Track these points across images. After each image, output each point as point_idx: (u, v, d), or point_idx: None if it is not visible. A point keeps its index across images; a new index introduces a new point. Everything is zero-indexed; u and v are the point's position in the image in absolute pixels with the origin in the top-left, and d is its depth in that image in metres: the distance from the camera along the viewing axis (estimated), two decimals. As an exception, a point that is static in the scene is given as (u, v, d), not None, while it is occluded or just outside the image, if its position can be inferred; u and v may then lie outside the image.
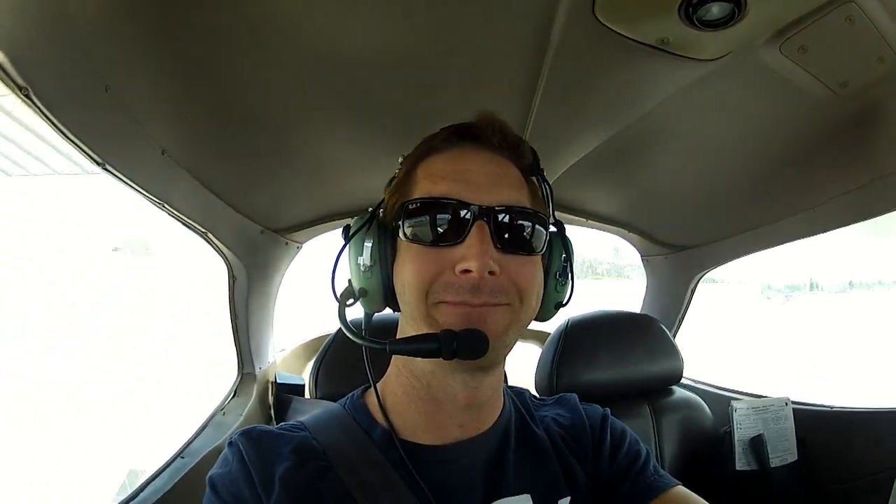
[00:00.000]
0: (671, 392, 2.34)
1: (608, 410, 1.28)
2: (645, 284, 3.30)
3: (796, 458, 2.13)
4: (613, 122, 1.68)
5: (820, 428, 2.18)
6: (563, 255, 1.09)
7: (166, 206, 1.57)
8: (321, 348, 1.96)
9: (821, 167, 1.80)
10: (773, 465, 2.07)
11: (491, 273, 0.92)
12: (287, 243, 2.47)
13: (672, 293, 3.06)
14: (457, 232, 0.94)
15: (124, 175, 1.33)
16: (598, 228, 2.92)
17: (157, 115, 1.39)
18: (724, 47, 1.26)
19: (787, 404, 2.18)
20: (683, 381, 2.46)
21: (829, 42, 1.27)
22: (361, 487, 0.96)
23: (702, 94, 1.51)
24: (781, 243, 2.28)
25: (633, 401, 2.23)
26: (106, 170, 1.26)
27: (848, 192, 1.80)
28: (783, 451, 2.12)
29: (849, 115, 1.54)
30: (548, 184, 1.10)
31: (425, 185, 1.01)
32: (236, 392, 2.35)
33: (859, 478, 1.98)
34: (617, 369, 2.19)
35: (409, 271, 0.96)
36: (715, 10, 1.12)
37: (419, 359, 0.99)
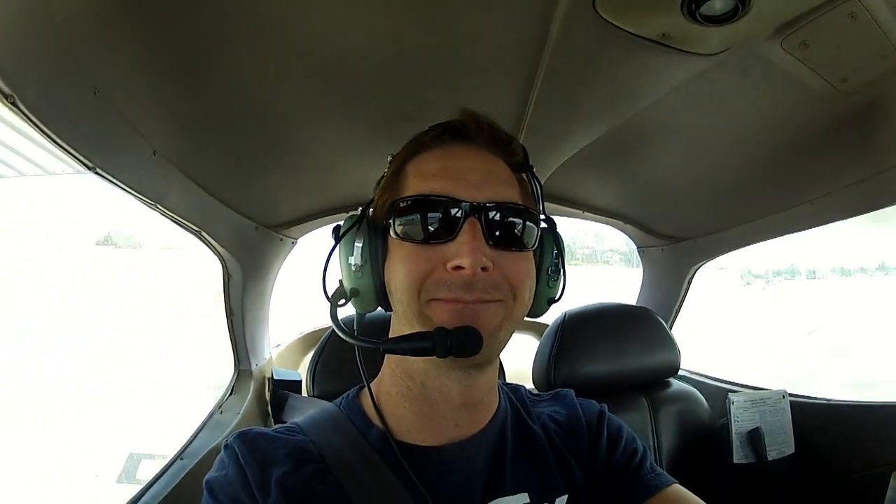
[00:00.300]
0: (668, 384, 2.32)
1: (605, 406, 1.27)
2: (641, 276, 3.29)
3: (793, 450, 2.12)
4: (612, 115, 1.66)
5: (817, 421, 2.17)
6: (555, 251, 1.08)
7: (159, 206, 1.55)
8: (318, 346, 1.94)
9: (820, 161, 1.79)
10: (770, 458, 2.07)
11: (483, 269, 0.91)
12: (282, 239, 2.46)
13: (668, 284, 3.04)
14: (448, 229, 0.93)
15: (116, 178, 1.31)
16: (594, 220, 2.91)
17: (148, 115, 1.37)
18: (725, 42, 1.24)
19: (784, 397, 2.18)
20: (680, 372, 2.45)
21: (831, 38, 1.26)
22: (358, 490, 0.95)
23: (701, 88, 1.49)
24: (779, 235, 2.28)
25: (630, 394, 2.22)
26: (97, 173, 1.24)
27: (847, 186, 1.79)
28: (780, 444, 2.11)
29: (849, 110, 1.53)
30: (538, 180, 1.09)
31: (416, 184, 1.00)
32: (233, 389, 2.34)
33: (856, 471, 1.98)
34: (614, 362, 2.18)
35: (400, 270, 0.95)
36: (718, 6, 1.10)
37: (413, 358, 0.98)
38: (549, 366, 2.13)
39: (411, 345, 0.91)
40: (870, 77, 1.38)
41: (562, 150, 1.92)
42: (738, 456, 2.09)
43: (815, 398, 2.26)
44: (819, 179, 1.87)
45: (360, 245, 1.00)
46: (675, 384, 2.34)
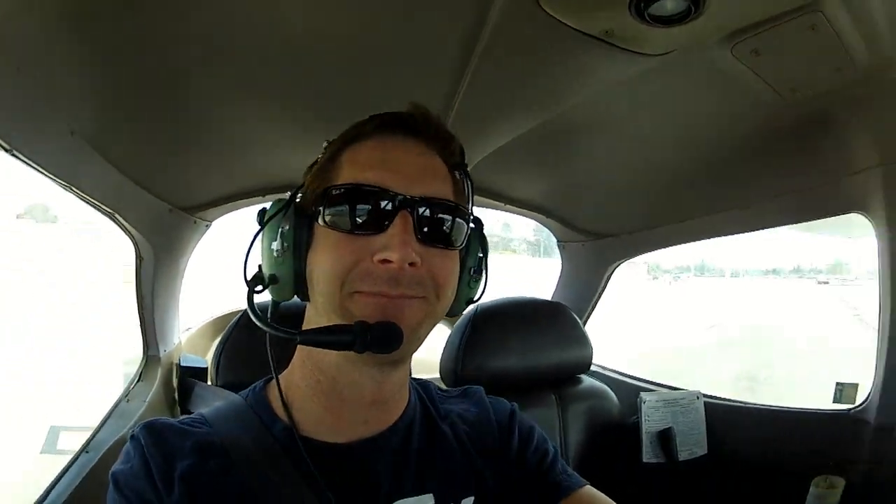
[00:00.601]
0: (579, 381, 2.30)
1: (516, 405, 1.24)
2: (560, 270, 3.27)
3: (706, 451, 2.14)
4: (545, 109, 1.63)
5: (731, 423, 2.20)
6: (480, 252, 1.07)
7: (74, 188, 1.49)
8: (224, 333, 1.86)
9: (757, 168, 1.81)
10: (681, 458, 2.08)
11: (411, 264, 0.88)
12: (196, 222, 2.36)
13: (587, 280, 3.05)
14: (379, 221, 0.89)
15: (31, 159, 1.26)
16: (516, 213, 2.88)
17: (68, 95, 1.31)
18: (671, 44, 1.22)
19: (698, 398, 2.19)
20: (593, 368, 2.46)
21: (787, 48, 1.25)
22: (262, 487, 0.91)
23: (641, 87, 1.47)
24: (707, 238, 2.32)
25: (539, 390, 2.19)
26: (13, 154, 1.19)
27: (783, 195, 1.82)
28: (692, 445, 2.13)
29: (794, 120, 1.54)
30: (471, 180, 1.06)
31: (350, 172, 0.95)
32: (141, 376, 2.25)
33: (770, 475, 2.01)
34: (524, 357, 2.14)
35: (325, 259, 0.91)
36: (669, 6, 1.07)
37: (326, 351, 0.94)
38: (458, 359, 2.07)
39: (330, 337, 0.87)
40: (821, 90, 1.39)
41: (489, 140, 1.89)
42: (648, 455, 2.09)
43: (731, 400, 2.29)
44: (754, 186, 1.89)
45: (285, 230, 0.95)
46: (586, 381, 2.32)
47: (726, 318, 18.43)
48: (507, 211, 2.83)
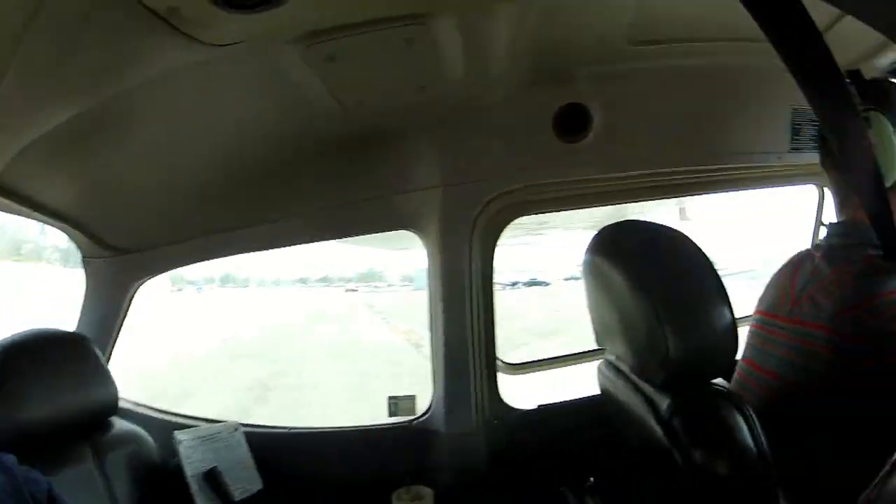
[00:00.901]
0: (111, 425, 2.01)
1: (51, 484, 1.05)
2: (84, 292, 2.75)
3: (262, 486, 2.05)
4: (86, 97, 1.43)
5: (285, 450, 2.17)
6: None
7: None
8: None
9: (312, 179, 1.81)
10: (238, 499, 1.96)
11: None
12: None
13: (111, 303, 2.67)
14: None
15: None
16: (44, 222, 2.42)
17: None
18: (239, 33, 1.12)
19: (237, 429, 2.11)
20: (127, 407, 2.24)
21: (369, 58, 1.24)
22: None
23: (193, 81, 1.37)
24: (242, 252, 2.28)
25: (73, 443, 1.85)
26: None
27: (337, 208, 1.85)
28: (245, 481, 2.02)
29: (356, 133, 1.56)
30: None
31: None
32: None
33: (341, 495, 2.02)
34: (49, 406, 1.79)
35: None
36: None
37: None
38: None
39: None
40: (392, 106, 1.41)
41: (25, 132, 1.57)
42: (201, 500, 1.91)
43: (274, 427, 2.27)
44: (308, 197, 1.90)
45: None
46: (118, 424, 2.04)
47: (243, 330, 18.98)
48: (35, 219, 2.37)
